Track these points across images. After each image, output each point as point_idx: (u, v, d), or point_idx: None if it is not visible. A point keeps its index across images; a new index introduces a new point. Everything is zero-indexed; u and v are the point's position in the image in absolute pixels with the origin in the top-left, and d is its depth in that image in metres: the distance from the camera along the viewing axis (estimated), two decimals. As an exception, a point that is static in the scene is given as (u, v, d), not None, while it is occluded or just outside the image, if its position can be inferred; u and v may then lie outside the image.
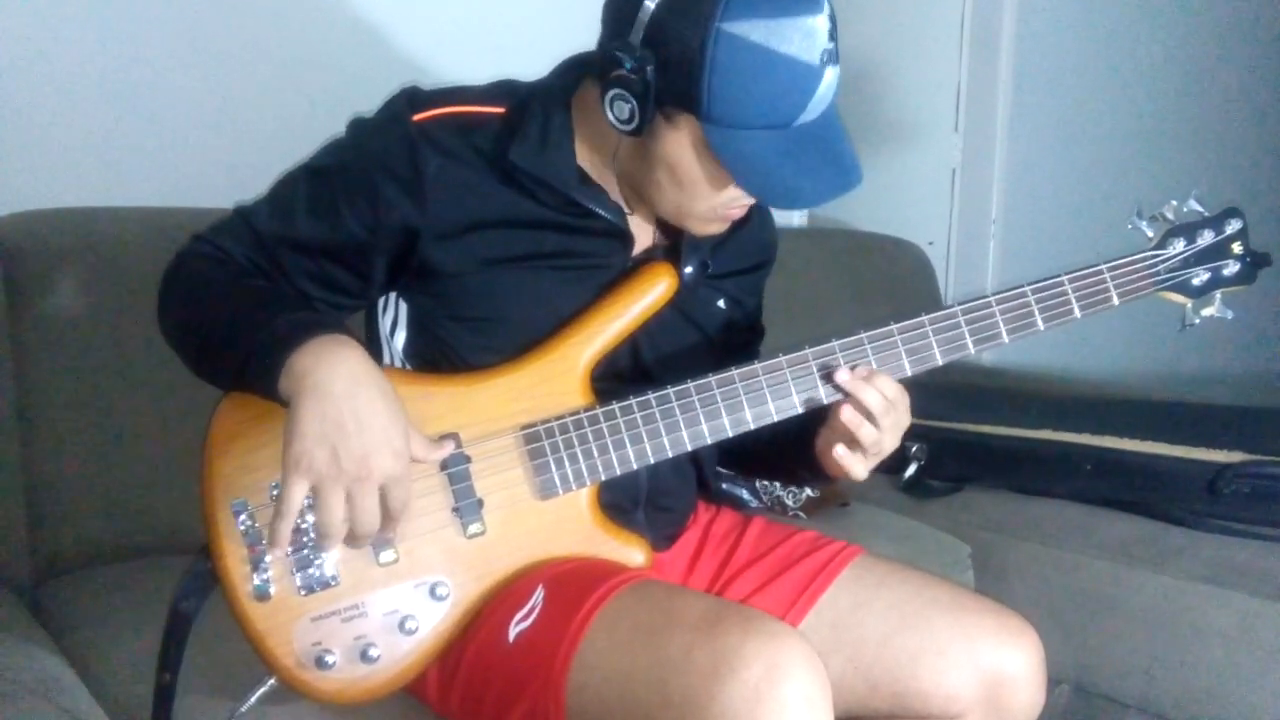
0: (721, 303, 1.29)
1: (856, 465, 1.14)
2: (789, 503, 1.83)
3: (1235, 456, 1.74)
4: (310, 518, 1.05)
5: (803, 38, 1.00)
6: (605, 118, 1.07)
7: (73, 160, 1.73)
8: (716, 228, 1.16)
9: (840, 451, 1.13)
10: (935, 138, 2.80)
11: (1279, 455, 1.72)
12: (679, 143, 1.06)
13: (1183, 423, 1.88)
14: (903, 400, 1.15)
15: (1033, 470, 1.92)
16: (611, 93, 1.05)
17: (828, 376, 1.14)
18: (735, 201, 1.11)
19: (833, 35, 1.03)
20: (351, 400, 0.97)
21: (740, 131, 1.02)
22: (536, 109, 1.14)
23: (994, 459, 1.95)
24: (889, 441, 1.14)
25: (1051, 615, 1.69)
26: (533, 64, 1.22)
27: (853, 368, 1.14)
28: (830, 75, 1.03)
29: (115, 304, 1.50)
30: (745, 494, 1.86)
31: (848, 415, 1.11)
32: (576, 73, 1.16)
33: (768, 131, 1.02)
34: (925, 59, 2.80)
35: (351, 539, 1.01)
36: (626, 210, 1.18)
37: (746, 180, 1.05)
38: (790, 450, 1.25)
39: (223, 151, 1.85)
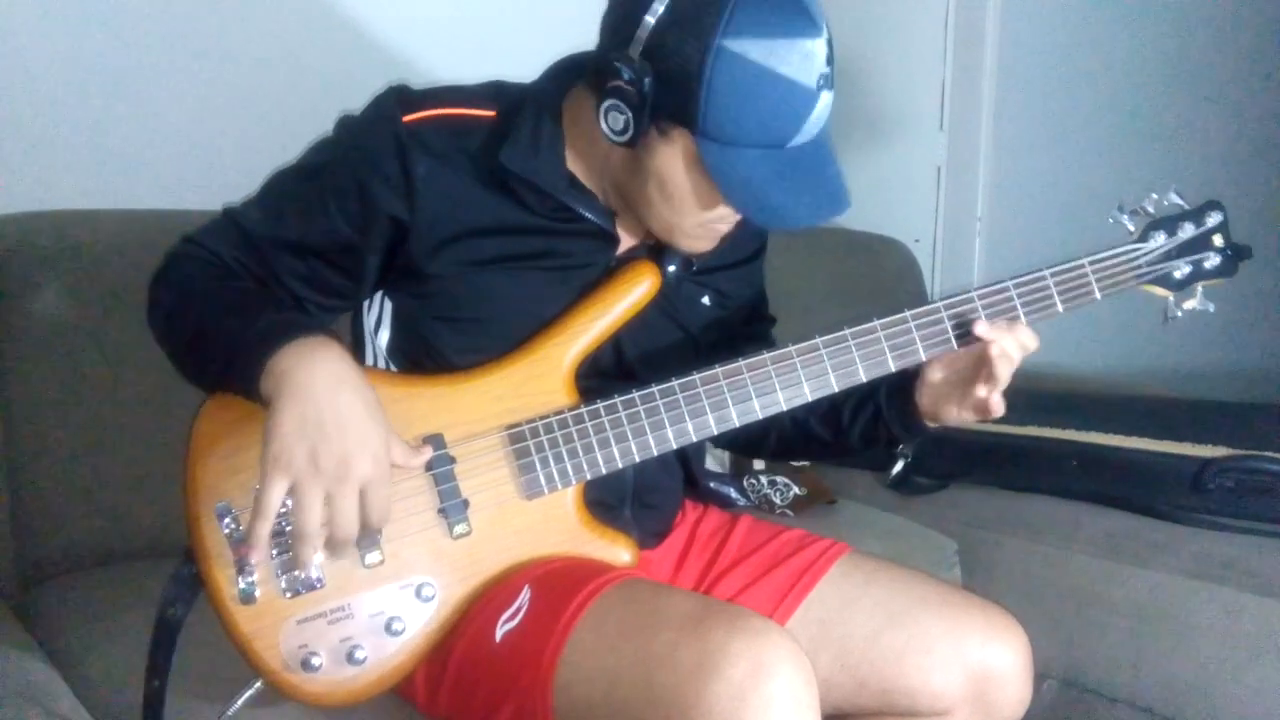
0: (706, 299, 1.28)
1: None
2: (776, 500, 1.83)
3: (1219, 451, 1.75)
4: (295, 520, 1.06)
5: (801, 60, 1.01)
6: (599, 127, 1.07)
7: (56, 163, 1.72)
8: (704, 245, 1.16)
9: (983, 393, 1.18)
10: (921, 135, 2.80)
11: (1263, 450, 1.72)
12: (672, 157, 1.06)
13: (1167, 418, 1.89)
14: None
15: (1019, 466, 1.92)
16: (607, 103, 1.05)
17: (961, 328, 1.17)
18: (723, 219, 1.12)
19: (830, 60, 1.03)
20: (332, 401, 0.97)
21: (734, 149, 1.03)
22: (528, 113, 1.13)
23: (980, 456, 1.95)
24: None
25: (1038, 610, 1.70)
26: (520, 64, 1.22)
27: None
28: (825, 99, 1.04)
29: (99, 307, 1.49)
30: (733, 492, 1.86)
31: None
32: (568, 77, 1.16)
33: (761, 151, 1.03)
34: (910, 57, 2.80)
35: (330, 544, 1.01)
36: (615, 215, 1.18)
37: (737, 198, 1.05)
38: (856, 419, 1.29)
39: (208, 152, 1.84)
